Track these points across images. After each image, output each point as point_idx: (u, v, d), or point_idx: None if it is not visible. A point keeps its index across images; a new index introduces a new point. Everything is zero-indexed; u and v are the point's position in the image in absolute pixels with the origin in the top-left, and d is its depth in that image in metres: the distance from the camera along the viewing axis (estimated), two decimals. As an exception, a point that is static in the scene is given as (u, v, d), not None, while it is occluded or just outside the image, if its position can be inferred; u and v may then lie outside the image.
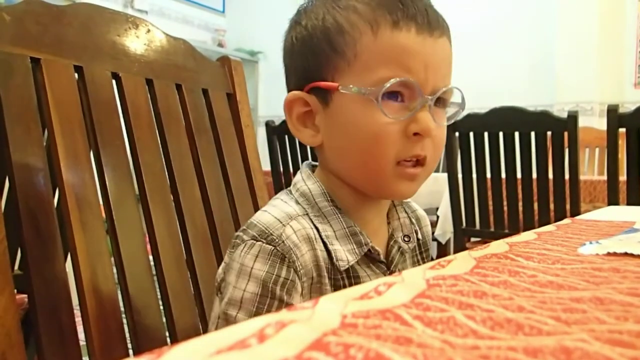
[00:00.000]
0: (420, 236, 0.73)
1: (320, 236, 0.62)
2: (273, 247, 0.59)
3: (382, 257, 0.66)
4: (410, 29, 0.60)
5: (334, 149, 0.65)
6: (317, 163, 0.70)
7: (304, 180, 0.67)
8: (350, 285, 0.62)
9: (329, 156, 0.66)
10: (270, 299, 0.58)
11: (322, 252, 0.62)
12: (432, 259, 0.78)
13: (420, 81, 0.60)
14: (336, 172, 0.66)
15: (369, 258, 0.65)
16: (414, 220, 0.73)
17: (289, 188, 0.69)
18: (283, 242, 0.60)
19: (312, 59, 0.64)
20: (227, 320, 0.60)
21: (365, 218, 0.67)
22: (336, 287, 0.62)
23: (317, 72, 0.63)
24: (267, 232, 0.60)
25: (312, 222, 0.63)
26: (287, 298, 0.59)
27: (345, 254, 0.63)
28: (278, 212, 0.63)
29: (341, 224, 0.64)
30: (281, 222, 0.61)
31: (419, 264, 0.74)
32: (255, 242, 0.60)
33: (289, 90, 0.67)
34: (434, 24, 0.61)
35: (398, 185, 0.63)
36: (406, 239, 0.70)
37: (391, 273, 0.67)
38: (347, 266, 0.62)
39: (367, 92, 0.60)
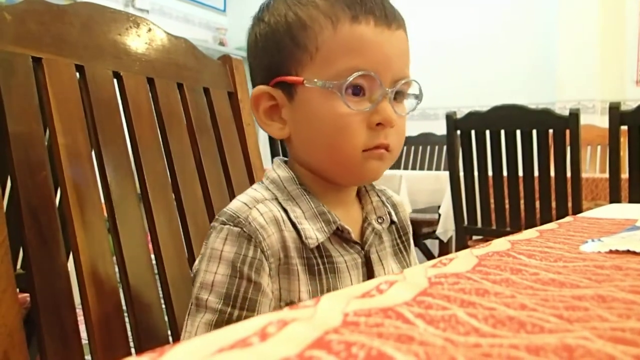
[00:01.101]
0: (396, 220, 0.74)
1: (289, 217, 0.64)
2: (240, 229, 0.61)
3: (355, 238, 0.68)
4: (369, 22, 0.62)
5: (301, 141, 0.67)
6: (287, 159, 0.72)
7: (274, 170, 0.69)
8: (324, 264, 0.64)
9: (297, 148, 0.68)
10: (239, 279, 0.60)
11: (291, 232, 0.63)
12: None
13: (380, 73, 0.62)
14: (305, 163, 0.68)
15: (342, 239, 0.66)
16: (389, 206, 0.74)
17: (262, 181, 0.71)
18: (249, 223, 0.61)
19: (276, 54, 0.65)
20: (198, 305, 0.61)
21: (333, 200, 0.68)
22: (309, 266, 0.63)
23: (281, 66, 0.65)
24: (234, 215, 0.62)
25: (280, 205, 0.65)
26: (255, 277, 0.60)
27: (314, 233, 0.64)
28: (246, 198, 0.65)
29: (309, 205, 0.65)
30: (248, 206, 0.63)
31: (401, 249, 0.75)
32: (224, 226, 0.62)
33: (253, 86, 0.69)
34: (390, 17, 0.64)
35: (367, 167, 0.64)
36: (379, 220, 0.71)
37: (366, 254, 0.68)
38: (316, 244, 0.63)
39: (331, 86, 0.61)
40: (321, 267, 0.64)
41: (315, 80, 0.62)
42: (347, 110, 0.62)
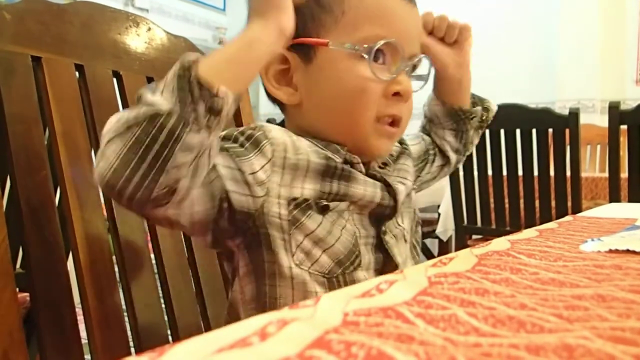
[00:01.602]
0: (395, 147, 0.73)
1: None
2: (242, 129, 0.60)
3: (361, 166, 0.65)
4: None
5: (313, 106, 0.65)
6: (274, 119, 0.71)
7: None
8: (342, 171, 0.62)
9: (307, 114, 0.65)
10: (232, 141, 0.58)
11: (311, 147, 0.62)
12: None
13: (402, 44, 0.63)
14: (312, 130, 0.65)
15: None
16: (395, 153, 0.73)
17: None
18: (258, 126, 0.60)
19: (296, 15, 0.62)
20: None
21: None
22: (327, 167, 0.61)
23: (301, 28, 0.62)
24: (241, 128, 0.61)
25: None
26: (249, 148, 0.58)
27: (329, 154, 0.63)
28: None
29: (314, 140, 0.64)
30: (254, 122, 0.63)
31: (410, 160, 0.75)
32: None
33: None
34: None
35: (376, 142, 0.64)
36: (382, 165, 0.69)
37: (386, 183, 0.66)
38: (341, 161, 0.62)
39: (360, 50, 0.61)
40: (338, 172, 0.62)
41: (344, 43, 0.61)
42: (370, 75, 0.61)
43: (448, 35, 0.75)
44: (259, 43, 0.55)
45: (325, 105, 0.64)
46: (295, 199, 0.59)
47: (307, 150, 0.61)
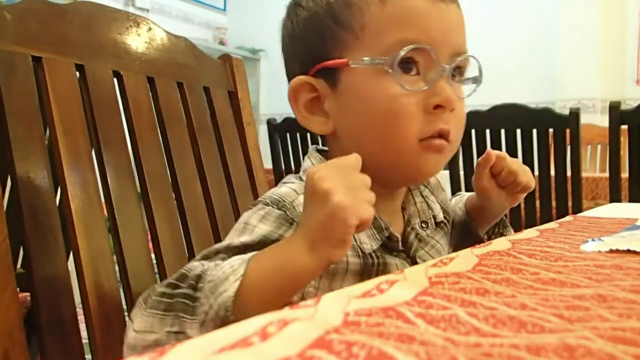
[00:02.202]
0: (440, 212, 0.68)
1: None
2: (283, 212, 0.55)
3: (399, 245, 0.62)
4: None
5: (349, 134, 0.60)
6: (324, 148, 0.66)
7: (315, 165, 0.62)
8: (379, 265, 0.58)
9: (344, 143, 0.60)
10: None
11: None
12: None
13: (435, 47, 0.56)
14: None
15: (387, 248, 0.61)
16: (430, 198, 0.69)
17: (297, 174, 0.64)
18: (295, 208, 0.55)
19: (316, 38, 0.59)
20: (203, 257, 0.54)
21: (381, 208, 0.60)
22: (365, 265, 0.57)
23: (322, 52, 0.58)
24: (280, 199, 0.56)
25: None
26: None
27: (366, 239, 0.58)
28: (295, 185, 0.58)
29: None
30: (296, 192, 0.56)
31: (446, 239, 0.70)
32: (265, 206, 0.56)
33: (290, 80, 0.62)
34: None
35: (425, 161, 0.58)
36: (424, 225, 0.65)
37: (413, 260, 0.62)
38: (370, 250, 0.58)
39: (381, 62, 0.55)
40: (375, 268, 0.58)
41: (363, 57, 0.56)
42: (399, 90, 0.55)
43: (509, 187, 0.68)
44: (306, 277, 0.48)
45: (358, 132, 0.59)
46: None
47: None
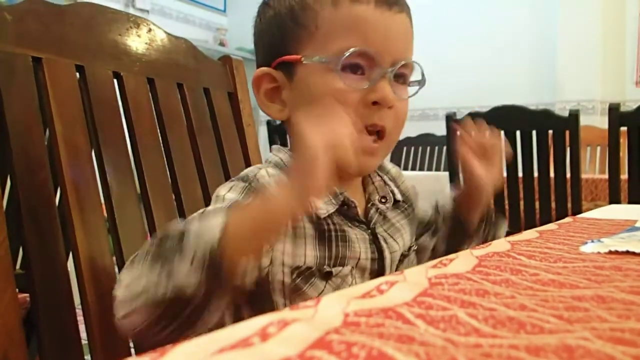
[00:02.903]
0: (399, 194, 0.74)
1: None
2: (247, 184, 0.62)
3: (361, 217, 0.67)
4: (369, 3, 0.63)
5: None
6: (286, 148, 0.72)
7: (275, 154, 0.70)
8: (335, 231, 0.63)
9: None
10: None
11: None
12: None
13: (378, 52, 0.62)
14: None
15: (348, 217, 0.66)
16: (389, 182, 0.74)
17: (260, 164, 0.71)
18: (257, 180, 0.62)
19: (277, 35, 0.66)
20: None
21: (338, 183, 0.66)
22: (320, 231, 0.63)
23: (282, 47, 0.66)
24: (244, 175, 0.63)
25: None
26: None
27: (323, 205, 0.63)
28: (258, 165, 0.67)
29: None
30: (258, 168, 0.64)
31: (408, 221, 0.75)
32: (232, 181, 0.63)
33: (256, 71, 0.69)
34: (392, 0, 0.64)
35: (359, 160, 0.63)
36: (382, 200, 0.71)
37: (373, 231, 0.67)
38: (326, 214, 0.63)
39: (328, 61, 0.62)
40: (332, 233, 0.63)
41: (315, 57, 0.63)
42: (342, 86, 0.62)
43: (479, 153, 0.75)
44: (284, 219, 0.52)
45: None
46: (298, 267, 0.61)
47: None
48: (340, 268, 0.63)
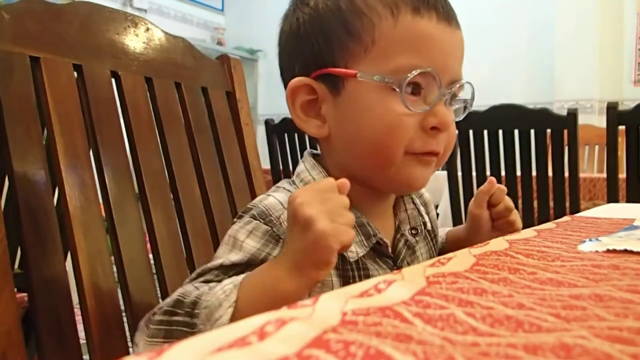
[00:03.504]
0: (429, 225, 0.71)
1: None
2: (270, 228, 0.57)
3: (389, 251, 0.64)
4: (431, 17, 0.58)
5: (344, 140, 0.61)
6: (318, 152, 0.67)
7: (308, 171, 0.64)
8: (360, 277, 0.60)
9: (337, 148, 0.62)
10: (251, 269, 0.55)
11: None
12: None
13: (439, 72, 0.58)
14: (343, 164, 0.62)
15: (376, 252, 0.62)
16: (421, 208, 0.70)
17: (291, 178, 0.66)
18: (281, 224, 0.57)
19: (322, 42, 0.60)
20: (198, 275, 0.57)
21: (371, 211, 0.63)
22: (344, 277, 0.59)
23: (328, 57, 0.59)
24: (267, 212, 0.58)
25: None
26: None
27: (354, 246, 0.59)
28: (282, 196, 0.60)
29: None
30: (283, 205, 0.58)
31: (433, 251, 0.72)
32: (253, 220, 0.58)
33: (288, 78, 0.62)
34: (452, 14, 0.60)
35: (411, 172, 0.60)
36: (413, 231, 0.67)
37: (398, 269, 0.63)
38: (356, 258, 0.60)
39: (390, 81, 0.57)
40: (356, 280, 0.59)
41: (372, 74, 0.57)
42: (403, 109, 0.57)
43: (500, 222, 0.71)
44: (293, 299, 0.49)
45: (355, 141, 0.60)
46: None
47: None
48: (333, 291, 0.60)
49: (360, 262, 0.60)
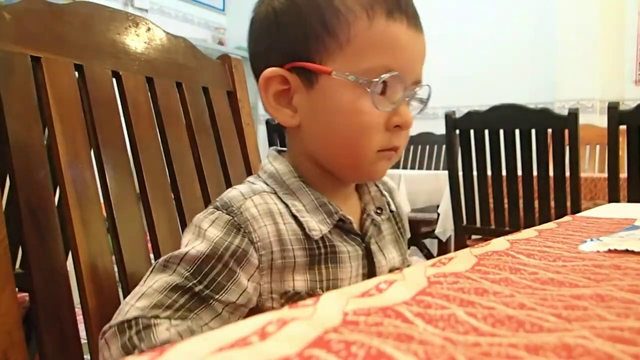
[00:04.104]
0: (393, 207, 0.74)
1: (291, 211, 0.62)
2: (231, 217, 0.60)
3: (356, 229, 0.67)
4: (402, 22, 0.60)
5: (314, 132, 0.64)
6: (283, 149, 0.70)
7: (271, 162, 0.68)
8: (326, 254, 0.63)
9: (306, 139, 0.65)
10: (216, 261, 0.58)
11: (290, 224, 0.62)
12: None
13: (406, 74, 0.61)
14: (312, 154, 0.65)
15: (343, 230, 0.65)
16: (385, 192, 0.74)
17: (257, 174, 0.69)
18: (241, 213, 0.60)
19: (299, 34, 0.61)
20: (166, 266, 0.59)
21: (337, 195, 0.67)
22: (311, 257, 0.62)
23: (303, 50, 0.61)
24: (228, 203, 0.61)
25: (280, 199, 0.63)
26: (234, 266, 0.58)
27: (317, 224, 0.63)
28: (244, 188, 0.64)
29: (310, 197, 0.64)
30: (244, 196, 0.62)
31: (398, 236, 0.75)
32: (216, 210, 0.61)
33: (260, 65, 0.64)
34: (419, 21, 0.63)
35: (377, 166, 0.64)
36: (378, 211, 0.70)
37: (367, 246, 0.67)
38: (320, 235, 0.62)
39: (364, 82, 0.59)
40: (322, 257, 0.62)
41: (347, 73, 0.59)
42: (373, 108, 0.60)
43: None
44: None
45: (325, 133, 0.63)
46: (286, 292, 0.61)
47: (292, 237, 0.61)
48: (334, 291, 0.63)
49: (326, 239, 0.63)
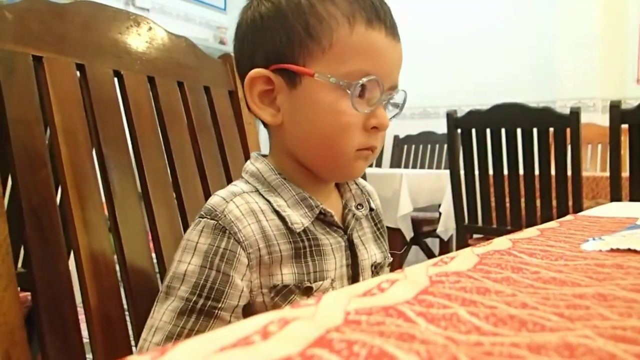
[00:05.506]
0: (373, 206, 0.77)
1: (273, 207, 0.65)
2: (215, 222, 0.62)
3: (338, 222, 0.69)
4: (381, 30, 0.64)
5: (295, 132, 0.67)
6: (265, 154, 0.73)
7: (252, 163, 0.71)
8: (310, 247, 0.65)
9: (288, 137, 0.68)
10: (209, 269, 0.61)
11: (273, 220, 0.64)
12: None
13: (383, 79, 0.65)
14: (293, 153, 0.68)
15: (325, 223, 0.68)
16: (365, 192, 0.77)
17: (242, 178, 0.72)
18: (225, 216, 0.62)
19: (284, 39, 0.65)
20: (168, 293, 0.62)
21: (318, 191, 0.70)
22: (296, 249, 0.64)
23: (288, 53, 0.64)
24: (211, 209, 0.63)
25: (262, 197, 0.66)
26: (225, 269, 0.61)
27: (298, 218, 0.65)
28: (225, 192, 0.66)
29: (291, 193, 0.67)
30: (225, 200, 0.64)
31: (378, 236, 0.78)
32: (201, 219, 0.63)
33: (246, 66, 0.67)
34: (396, 30, 0.67)
35: (355, 165, 0.67)
36: (359, 206, 0.73)
37: (349, 238, 0.70)
38: (302, 227, 0.65)
39: (344, 84, 0.63)
40: (307, 250, 0.65)
41: (329, 75, 0.63)
42: (352, 110, 0.63)
43: None
44: None
45: (305, 133, 0.66)
46: (275, 285, 0.63)
47: (276, 232, 0.64)
48: (321, 282, 0.65)
49: (309, 232, 0.66)
